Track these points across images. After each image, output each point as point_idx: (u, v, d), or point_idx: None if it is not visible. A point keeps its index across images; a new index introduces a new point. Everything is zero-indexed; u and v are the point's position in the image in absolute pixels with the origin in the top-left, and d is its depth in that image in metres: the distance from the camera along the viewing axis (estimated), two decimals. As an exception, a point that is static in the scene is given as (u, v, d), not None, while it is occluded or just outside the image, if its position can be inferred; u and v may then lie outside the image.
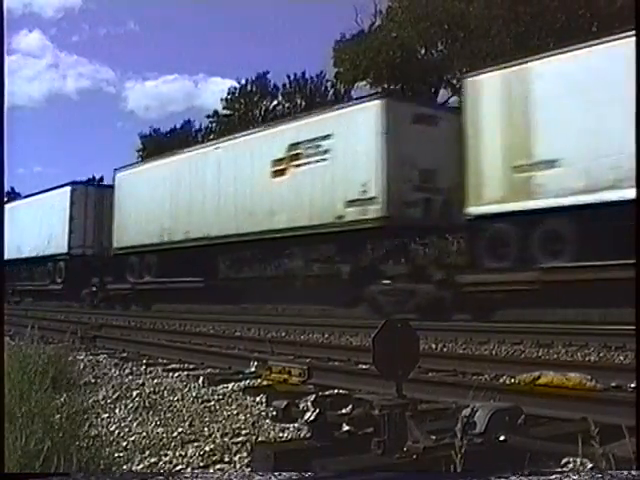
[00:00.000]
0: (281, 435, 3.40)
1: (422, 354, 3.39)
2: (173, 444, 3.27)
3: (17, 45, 51.00)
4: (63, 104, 61.26)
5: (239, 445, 3.20)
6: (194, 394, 4.61)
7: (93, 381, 5.21)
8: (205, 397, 4.49)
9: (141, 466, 2.95)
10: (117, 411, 4.06)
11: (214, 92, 64.24)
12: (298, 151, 15.28)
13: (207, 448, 3.16)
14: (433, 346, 8.00)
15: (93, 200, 24.35)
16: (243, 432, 3.45)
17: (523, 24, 19.29)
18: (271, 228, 15.74)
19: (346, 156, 14.25)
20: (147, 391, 4.70)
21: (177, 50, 56.66)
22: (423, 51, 22.20)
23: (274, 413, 3.48)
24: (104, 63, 74.89)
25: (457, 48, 20.96)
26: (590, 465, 2.50)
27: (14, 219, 24.34)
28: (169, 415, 3.94)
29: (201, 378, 5.27)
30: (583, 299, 10.88)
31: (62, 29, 60.22)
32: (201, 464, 2.99)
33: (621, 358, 6.74)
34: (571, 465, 2.61)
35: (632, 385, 4.18)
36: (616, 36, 10.30)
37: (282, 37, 50.05)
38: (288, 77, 30.32)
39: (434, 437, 2.67)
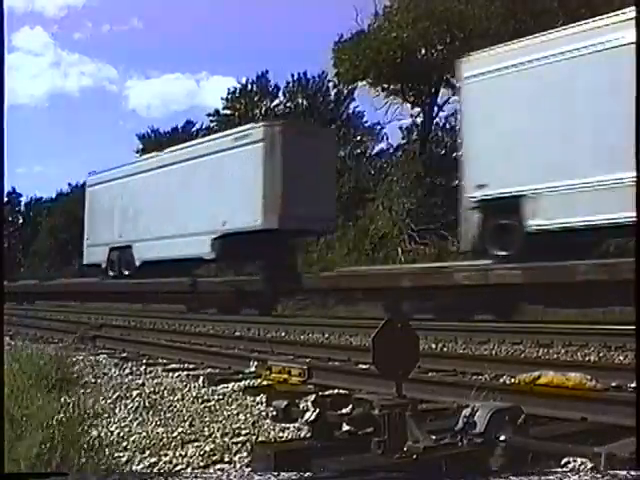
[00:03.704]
0: (281, 435, 3.40)
1: (422, 354, 3.39)
2: (173, 444, 3.26)
3: (18, 43, 50.92)
4: (64, 102, 61.16)
5: (239, 445, 3.20)
6: (194, 394, 4.61)
7: (93, 381, 5.21)
8: (205, 397, 4.49)
9: (141, 466, 2.95)
10: (117, 411, 4.06)
11: (217, 91, 64.11)
12: None
13: (207, 448, 3.16)
14: (433, 346, 7.99)
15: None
16: (243, 432, 3.45)
17: (522, 23, 19.28)
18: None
19: None
20: (147, 391, 4.70)
21: (179, 48, 56.53)
22: (423, 51, 22.18)
23: (274, 413, 3.48)
24: (106, 61, 74.67)
25: (457, 47, 20.94)
26: (590, 465, 2.50)
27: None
28: (169, 415, 3.93)
29: (201, 378, 5.27)
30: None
31: (64, 27, 60.04)
32: (201, 464, 2.99)
33: (621, 358, 6.73)
34: (571, 465, 2.61)
35: (632, 385, 4.18)
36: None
37: (283, 36, 50.01)
38: (292, 76, 30.35)
39: (434, 437, 2.68)
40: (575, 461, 2.61)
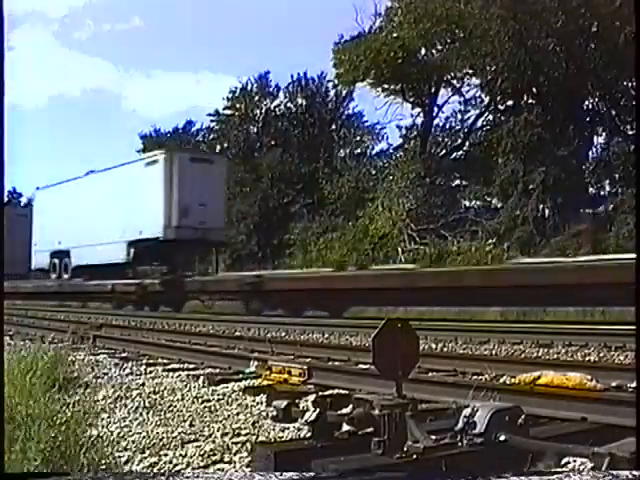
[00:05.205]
0: (281, 435, 3.40)
1: (422, 354, 3.39)
2: (173, 444, 3.27)
3: (18, 42, 50.84)
4: (65, 102, 61.07)
5: (239, 445, 3.20)
6: (194, 394, 4.61)
7: (93, 381, 5.21)
8: (205, 397, 4.49)
9: (141, 466, 2.95)
10: (117, 411, 4.06)
11: (218, 90, 64.04)
12: None
13: (207, 448, 3.16)
14: (433, 346, 7.99)
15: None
16: (243, 432, 3.46)
17: (522, 23, 19.29)
18: None
19: None
20: (147, 391, 4.70)
21: (180, 48, 56.45)
22: (423, 51, 22.19)
23: (274, 413, 3.48)
24: (107, 60, 74.46)
25: (457, 48, 20.95)
26: (590, 465, 2.50)
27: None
28: (169, 415, 3.94)
29: (201, 378, 5.27)
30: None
31: (65, 26, 59.91)
32: (201, 464, 2.99)
33: (621, 358, 6.74)
34: (571, 465, 2.61)
35: (632, 385, 4.18)
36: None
37: (284, 36, 50.02)
38: (292, 76, 30.35)
39: (434, 437, 2.67)
40: (575, 461, 2.61)
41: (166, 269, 19.47)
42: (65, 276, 23.03)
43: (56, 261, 23.60)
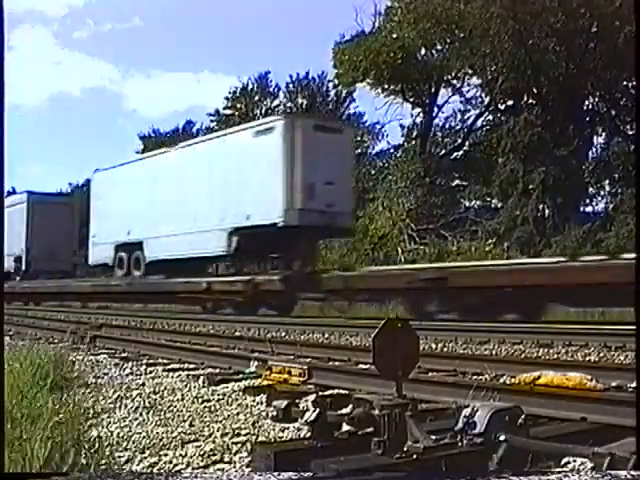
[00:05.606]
0: (281, 435, 3.40)
1: (422, 354, 3.39)
2: (173, 444, 3.26)
3: (19, 42, 50.88)
4: (65, 102, 61.11)
5: (239, 445, 3.20)
6: (194, 394, 4.61)
7: (93, 381, 5.21)
8: (205, 397, 4.49)
9: (141, 466, 2.95)
10: (117, 411, 4.06)
11: (218, 90, 64.09)
12: None
13: (207, 448, 3.16)
14: (433, 346, 7.99)
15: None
16: (243, 432, 3.45)
17: (522, 23, 19.30)
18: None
19: None
20: (147, 391, 4.70)
21: (180, 48, 56.53)
22: (423, 51, 22.22)
23: (274, 413, 3.48)
24: (107, 60, 74.56)
25: (457, 48, 20.97)
26: (590, 465, 2.50)
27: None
28: (169, 415, 3.94)
29: (201, 378, 5.27)
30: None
31: (65, 25, 59.99)
32: (201, 464, 2.99)
33: (621, 358, 6.74)
34: (571, 465, 2.61)
35: (632, 385, 4.18)
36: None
37: (284, 36, 50.04)
38: (292, 76, 30.38)
39: (434, 437, 2.67)
40: (575, 461, 2.61)
41: (283, 262, 16.00)
42: (137, 273, 19.07)
43: (123, 255, 19.52)
